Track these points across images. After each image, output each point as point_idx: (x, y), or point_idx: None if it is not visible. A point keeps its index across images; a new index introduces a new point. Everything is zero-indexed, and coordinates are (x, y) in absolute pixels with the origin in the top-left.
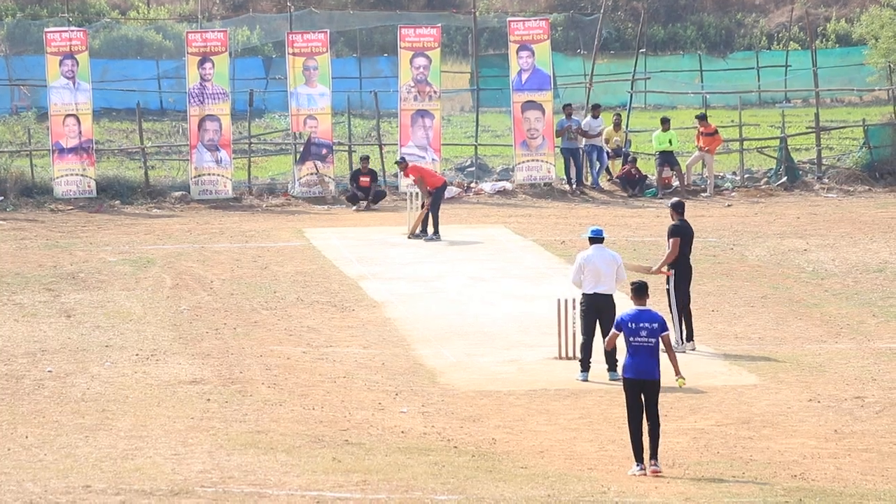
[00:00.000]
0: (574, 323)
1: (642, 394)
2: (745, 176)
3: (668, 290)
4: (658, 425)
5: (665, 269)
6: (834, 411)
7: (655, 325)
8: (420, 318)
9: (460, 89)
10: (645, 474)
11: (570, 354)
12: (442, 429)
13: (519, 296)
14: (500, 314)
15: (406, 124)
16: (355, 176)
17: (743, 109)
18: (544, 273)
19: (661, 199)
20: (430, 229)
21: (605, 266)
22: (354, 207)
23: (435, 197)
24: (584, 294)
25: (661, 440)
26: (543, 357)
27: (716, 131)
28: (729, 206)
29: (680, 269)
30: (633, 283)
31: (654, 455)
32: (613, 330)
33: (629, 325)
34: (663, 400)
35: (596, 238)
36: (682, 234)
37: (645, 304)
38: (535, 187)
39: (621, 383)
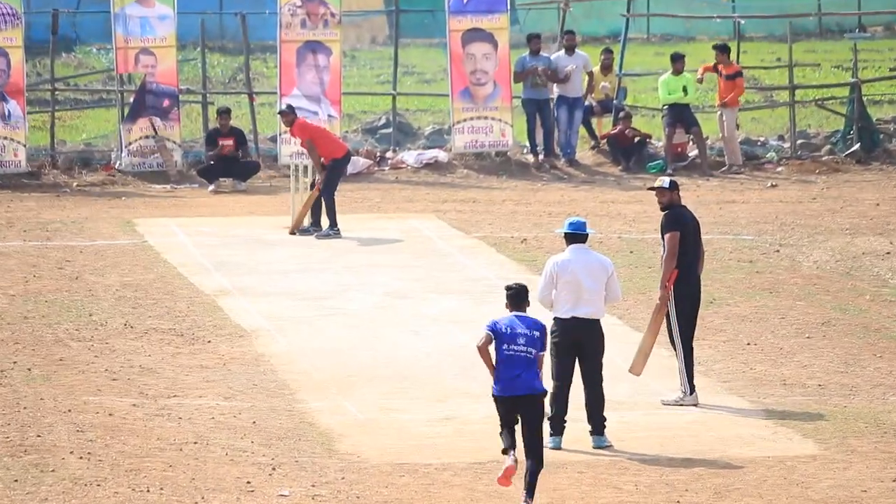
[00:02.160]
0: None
1: (519, 415)
2: (798, 142)
3: (667, 313)
4: (541, 459)
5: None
6: None
7: (536, 334)
8: (310, 353)
9: (370, 10)
10: (513, 468)
11: None
12: None
13: (458, 321)
14: (431, 348)
15: (289, 63)
16: (212, 139)
17: (794, 42)
18: (495, 286)
19: (673, 174)
20: (325, 221)
21: (589, 277)
22: (212, 187)
23: (331, 173)
24: (556, 318)
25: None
26: (494, 413)
27: (739, 73)
28: (773, 186)
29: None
30: (509, 288)
31: (529, 493)
32: (486, 331)
33: (504, 329)
34: (681, 475)
35: (576, 235)
36: (681, 225)
37: (524, 311)
38: (483, 158)
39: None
